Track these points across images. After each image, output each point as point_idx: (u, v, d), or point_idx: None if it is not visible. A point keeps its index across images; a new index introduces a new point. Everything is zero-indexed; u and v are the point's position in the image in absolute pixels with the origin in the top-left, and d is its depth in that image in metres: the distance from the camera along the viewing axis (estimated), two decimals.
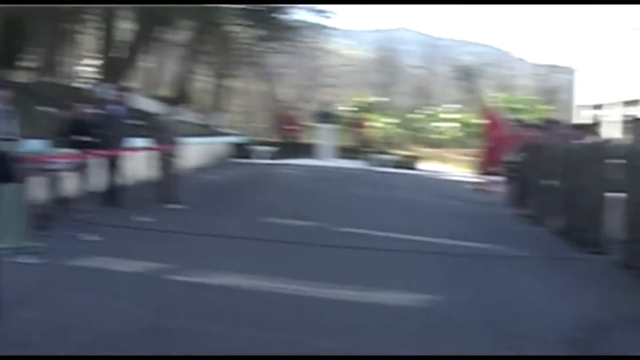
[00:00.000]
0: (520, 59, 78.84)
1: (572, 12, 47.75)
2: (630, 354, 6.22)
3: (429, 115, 52.25)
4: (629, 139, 10.63)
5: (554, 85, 72.45)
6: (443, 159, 38.60)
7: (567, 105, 57.14)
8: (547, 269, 9.99)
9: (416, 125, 52.17)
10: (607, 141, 11.33)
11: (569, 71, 62.28)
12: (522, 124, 18.43)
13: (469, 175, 23.55)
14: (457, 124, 48.21)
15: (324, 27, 36.27)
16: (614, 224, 10.79)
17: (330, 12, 38.13)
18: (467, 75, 66.13)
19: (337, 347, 6.02)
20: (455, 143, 46.25)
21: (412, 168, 31.66)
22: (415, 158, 34.96)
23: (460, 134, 47.34)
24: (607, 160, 10.92)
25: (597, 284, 9.03)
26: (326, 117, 29.68)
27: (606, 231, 11.23)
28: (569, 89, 56.85)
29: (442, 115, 50.73)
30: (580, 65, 47.11)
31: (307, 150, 31.47)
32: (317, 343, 6.12)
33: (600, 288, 8.81)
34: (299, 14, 35.51)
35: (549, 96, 69.65)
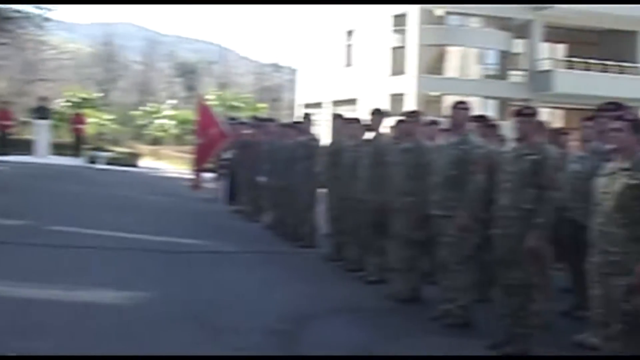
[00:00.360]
0: (244, 57, 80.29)
1: (293, 13, 49.36)
2: (332, 343, 6.50)
3: (149, 112, 51.80)
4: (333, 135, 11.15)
5: (277, 84, 74.78)
6: (163, 156, 38.50)
7: (289, 104, 59.17)
8: (258, 264, 10.23)
9: (137, 122, 51.56)
10: (315, 139, 11.79)
11: (291, 70, 64.66)
12: (235, 121, 18.72)
13: (186, 172, 23.68)
14: (174, 121, 48.27)
15: (44, 18, 34.55)
16: (321, 218, 11.29)
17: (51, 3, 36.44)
18: (187, 72, 66.26)
19: (34, 347, 5.75)
20: (174, 140, 46.31)
21: (132, 165, 31.19)
22: (135, 155, 34.46)
23: (177, 131, 47.49)
24: (316, 157, 11.37)
25: (305, 277, 9.38)
26: (42, 112, 28.30)
27: (314, 226, 11.73)
28: (290, 87, 58.92)
29: (163, 112, 50.51)
30: (300, 65, 48.99)
31: (22, 146, 29.89)
32: (14, 343, 5.81)
33: (308, 280, 9.15)
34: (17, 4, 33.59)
35: (271, 94, 71.70)
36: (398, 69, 35.74)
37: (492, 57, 36.34)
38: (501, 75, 36.28)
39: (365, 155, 9.20)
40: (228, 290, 8.40)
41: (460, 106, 7.20)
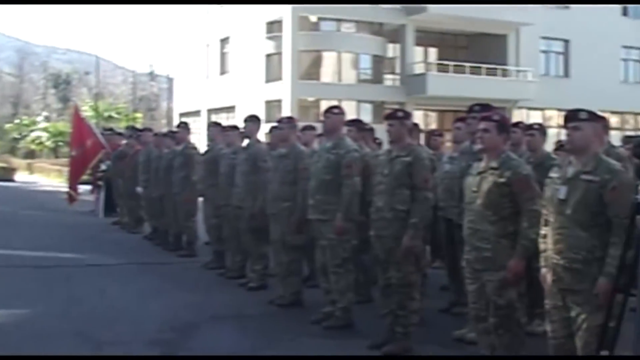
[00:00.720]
0: (120, 67, 78.96)
1: (168, 21, 48.74)
2: (217, 350, 6.46)
3: (23, 124, 50.20)
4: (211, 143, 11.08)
5: (153, 93, 73.80)
6: (38, 170, 37.46)
7: (166, 113, 58.45)
8: (139, 275, 10.10)
9: (11, 135, 49.88)
10: (193, 147, 11.69)
11: (167, 80, 63.94)
12: (111, 132, 18.38)
13: (63, 185, 23.09)
14: (48, 134, 46.97)
15: None
16: (201, 227, 11.21)
17: None
18: (61, 83, 64.58)
19: None
20: (49, 153, 45.04)
21: (7, 180, 30.21)
22: (10, 169, 33.40)
23: (52, 143, 46.25)
24: (194, 166, 11.27)
25: (187, 286, 9.29)
26: None
27: (193, 235, 11.63)
28: (167, 96, 58.24)
29: (37, 125, 49.04)
30: (177, 74, 48.56)
31: None
32: None
33: (190, 289, 9.06)
34: None
35: (148, 104, 70.72)
36: (274, 76, 35.87)
37: (366, 62, 36.92)
38: (376, 80, 36.90)
39: (242, 162, 9.19)
40: (109, 303, 8.24)
41: (333, 111, 7.28)
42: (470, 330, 6.77)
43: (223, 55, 41.27)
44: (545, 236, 4.74)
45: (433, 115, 37.93)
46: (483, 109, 6.71)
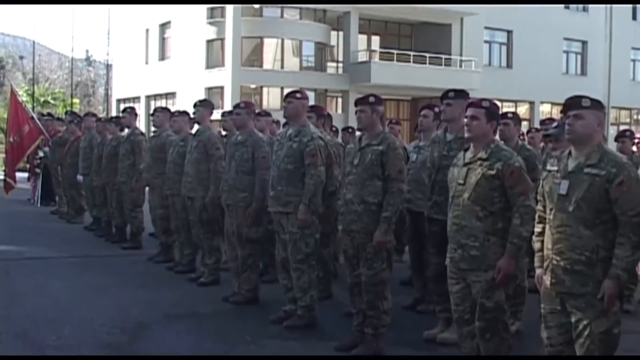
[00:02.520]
0: (56, 52, 77.12)
1: (106, 6, 47.56)
2: (175, 351, 5.97)
3: None
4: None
5: (91, 79, 72.19)
6: None
7: (104, 99, 57.16)
8: (82, 270, 9.46)
9: None
10: (139, 133, 11.07)
11: (104, 65, 62.45)
12: (49, 117, 17.59)
13: None
14: None
15: None
16: (147, 218, 10.66)
17: None
18: None
19: None
20: None
21: None
22: None
23: None
24: (140, 153, 10.69)
25: (134, 281, 8.72)
26: None
27: (139, 226, 11.06)
28: (104, 82, 56.91)
29: None
30: (115, 59, 47.45)
31: None
32: None
33: (138, 285, 8.51)
34: None
35: (85, 90, 69.15)
36: (215, 62, 35.18)
37: (309, 49, 36.43)
38: (319, 67, 36.45)
39: (192, 149, 8.65)
40: (52, 301, 7.65)
41: (296, 96, 6.80)
42: (442, 331, 6.42)
43: (163, 40, 40.33)
44: (539, 234, 4.35)
45: None
46: (458, 94, 6.33)
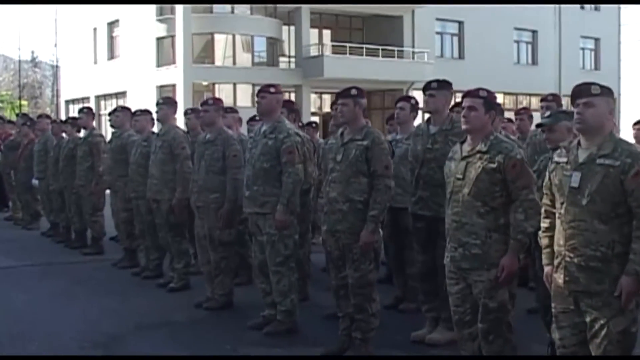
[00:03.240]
0: (2, 55, 75.68)
1: (53, 8, 46.48)
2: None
3: None
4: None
5: (38, 80, 70.93)
6: None
7: (52, 100, 56.11)
8: (43, 278, 9.00)
9: None
10: (98, 134, 10.64)
11: (50, 66, 61.34)
12: (1, 120, 16.96)
13: None
14: None
15: None
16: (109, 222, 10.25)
17: None
18: None
19: None
20: None
21: None
22: None
23: None
24: (100, 155, 10.27)
25: (101, 289, 8.32)
26: None
27: (99, 230, 10.63)
28: (51, 83, 55.86)
29: None
30: (62, 60, 46.57)
31: None
32: None
33: (104, 293, 8.10)
34: None
35: (32, 92, 67.92)
36: (166, 60, 34.62)
37: (261, 45, 36.02)
38: (271, 62, 36.06)
39: (157, 150, 8.27)
40: (15, 315, 7.20)
41: (269, 90, 6.46)
42: (430, 331, 6.18)
43: (112, 39, 39.60)
44: (547, 229, 4.11)
45: (327, 97, 37.37)
46: (441, 85, 6.08)
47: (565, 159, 3.96)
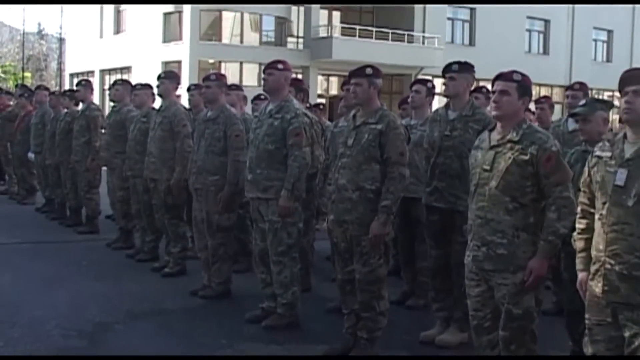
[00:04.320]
0: (6, 25, 75.13)
1: None
2: (142, 355, 5.22)
3: None
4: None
5: (44, 53, 70.43)
6: None
7: (57, 73, 55.64)
8: (34, 258, 8.55)
9: None
10: (96, 108, 10.19)
11: (57, 39, 60.78)
12: None
13: None
14: None
15: None
16: (105, 200, 9.83)
17: None
18: None
19: None
20: None
21: None
22: None
23: None
24: (97, 130, 9.85)
25: (92, 272, 7.90)
26: None
27: (95, 209, 10.20)
28: (58, 56, 55.38)
29: None
30: (68, 33, 46.06)
31: None
32: None
33: (96, 276, 7.67)
34: None
35: (37, 64, 67.46)
36: (172, 36, 34.11)
37: (269, 24, 35.48)
38: (279, 42, 35.54)
39: (156, 126, 7.82)
40: (3, 294, 6.82)
41: (277, 67, 6.00)
42: (440, 332, 5.76)
43: (118, 13, 39.05)
44: (583, 231, 3.67)
45: (334, 80, 36.88)
46: (462, 67, 5.63)
47: (609, 154, 3.50)
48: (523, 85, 4.16)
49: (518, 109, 4.13)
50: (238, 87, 8.72)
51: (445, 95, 5.74)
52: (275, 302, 6.04)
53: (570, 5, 41.47)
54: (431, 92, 6.84)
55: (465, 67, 5.69)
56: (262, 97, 8.87)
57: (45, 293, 6.96)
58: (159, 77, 8.02)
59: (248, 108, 8.95)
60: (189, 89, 8.91)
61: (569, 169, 4.07)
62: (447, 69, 5.69)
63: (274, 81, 5.97)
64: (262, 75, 6.09)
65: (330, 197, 5.30)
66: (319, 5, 35.55)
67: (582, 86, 7.10)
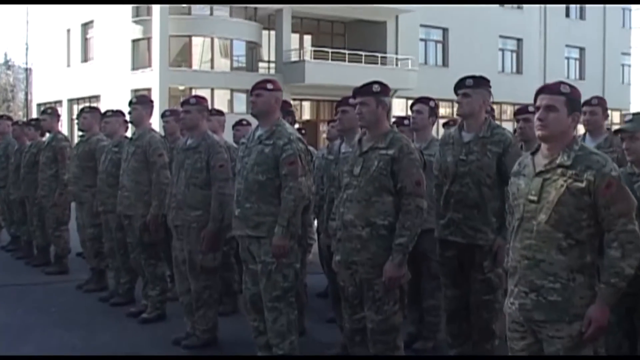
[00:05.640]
0: None
1: (25, 8, 45.08)
2: None
3: None
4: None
5: (10, 84, 69.52)
6: None
7: (23, 104, 54.70)
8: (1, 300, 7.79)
9: None
10: (63, 138, 9.44)
11: (23, 69, 59.88)
12: None
13: None
14: None
15: None
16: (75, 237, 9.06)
17: None
18: None
19: None
20: None
21: None
22: None
23: None
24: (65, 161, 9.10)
25: (63, 318, 7.18)
26: None
27: (64, 247, 9.42)
28: (25, 87, 54.46)
29: None
30: (35, 63, 45.19)
31: None
32: None
33: (67, 323, 6.96)
34: None
35: (3, 95, 66.55)
36: (141, 63, 33.37)
37: (240, 49, 34.87)
38: (250, 67, 34.93)
39: (130, 157, 7.10)
40: None
41: (266, 87, 5.32)
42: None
43: (86, 40, 38.23)
44: None
45: (307, 104, 36.33)
46: (478, 82, 5.01)
47: None
48: (572, 98, 3.50)
49: (567, 127, 3.46)
50: (219, 112, 8.05)
51: (459, 114, 5.10)
52: (269, 351, 5.32)
53: (542, 23, 41.38)
54: (434, 112, 6.19)
55: (481, 82, 5.09)
56: (244, 122, 8.23)
57: (8, 346, 6.18)
58: (130, 103, 7.30)
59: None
60: (163, 115, 8.23)
61: (633, 198, 3.39)
62: (461, 85, 5.07)
63: (263, 103, 5.29)
64: (250, 97, 5.41)
65: (335, 235, 4.61)
66: (290, 29, 35.02)
67: (601, 101, 6.51)
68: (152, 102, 7.50)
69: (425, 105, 6.17)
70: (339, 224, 4.55)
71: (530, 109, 5.72)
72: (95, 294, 8.07)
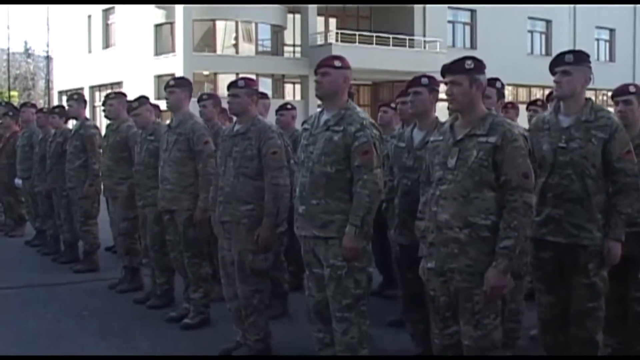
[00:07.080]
0: None
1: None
2: None
3: None
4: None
5: (31, 72, 69.41)
6: None
7: (45, 92, 54.45)
8: (25, 307, 7.12)
9: None
10: (92, 125, 8.82)
11: (43, 57, 59.59)
12: None
13: None
14: None
15: None
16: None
17: None
18: None
19: None
20: None
21: None
22: None
23: None
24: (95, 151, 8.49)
25: (93, 324, 6.52)
26: None
27: (94, 242, 8.81)
28: (46, 75, 54.16)
29: None
30: (55, 50, 44.82)
31: None
32: None
33: (98, 331, 6.31)
34: None
35: (24, 83, 66.42)
36: (164, 48, 32.81)
37: (265, 33, 34.22)
38: (275, 51, 34.28)
39: (171, 146, 6.41)
40: None
41: (334, 64, 4.64)
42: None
43: (107, 26, 37.75)
44: None
45: None
46: (578, 57, 4.37)
47: None
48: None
49: None
50: (264, 95, 7.36)
51: (555, 96, 4.42)
52: None
53: (572, 5, 40.41)
54: (500, 94, 5.40)
55: (582, 57, 4.45)
56: (289, 106, 7.56)
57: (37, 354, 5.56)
58: (167, 86, 6.62)
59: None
60: (200, 99, 7.58)
61: None
62: (559, 62, 4.42)
63: (330, 83, 4.61)
64: (315, 77, 4.73)
65: (425, 238, 3.93)
66: (315, 12, 34.30)
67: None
68: (191, 84, 6.81)
69: (492, 88, 5.32)
70: (431, 225, 3.86)
71: (632, 89, 4.97)
72: (129, 295, 7.45)
